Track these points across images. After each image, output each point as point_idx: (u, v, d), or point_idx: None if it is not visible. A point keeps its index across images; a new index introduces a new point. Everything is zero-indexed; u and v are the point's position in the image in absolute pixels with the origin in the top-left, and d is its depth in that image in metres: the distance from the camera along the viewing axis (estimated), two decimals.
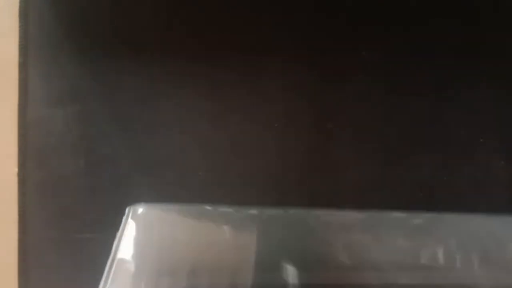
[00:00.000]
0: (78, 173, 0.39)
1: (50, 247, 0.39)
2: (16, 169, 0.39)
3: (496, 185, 0.39)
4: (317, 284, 0.26)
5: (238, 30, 0.39)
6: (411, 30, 0.40)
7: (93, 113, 0.39)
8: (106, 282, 0.24)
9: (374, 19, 0.40)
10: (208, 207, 0.30)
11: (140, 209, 0.31)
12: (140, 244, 0.26)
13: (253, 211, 0.30)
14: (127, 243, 0.28)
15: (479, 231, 0.30)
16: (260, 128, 0.39)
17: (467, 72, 0.40)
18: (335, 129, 0.39)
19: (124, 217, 0.32)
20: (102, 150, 0.39)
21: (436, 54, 0.40)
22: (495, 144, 0.40)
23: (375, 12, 0.40)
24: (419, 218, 0.31)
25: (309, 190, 0.39)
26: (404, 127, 0.40)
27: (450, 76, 0.40)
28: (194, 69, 0.39)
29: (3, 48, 0.39)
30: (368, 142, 0.39)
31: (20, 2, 0.38)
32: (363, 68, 0.40)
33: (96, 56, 0.39)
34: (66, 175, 0.39)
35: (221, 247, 0.27)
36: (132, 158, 0.39)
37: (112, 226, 0.34)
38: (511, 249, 0.29)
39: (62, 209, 0.39)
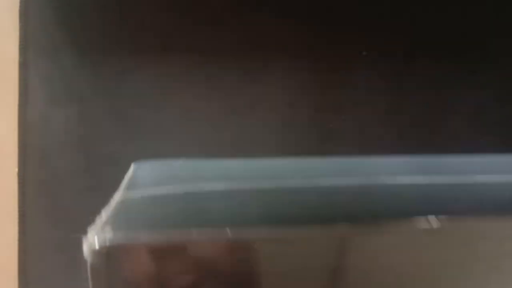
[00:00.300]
0: (78, 173, 0.39)
1: (50, 247, 0.39)
2: (16, 169, 0.39)
3: None
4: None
5: (239, 30, 0.39)
6: (411, 29, 0.40)
7: (93, 113, 0.39)
8: (109, 217, 0.24)
9: (375, 19, 0.40)
10: (215, 161, 0.30)
11: (145, 164, 0.31)
12: (144, 190, 0.26)
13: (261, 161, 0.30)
14: (132, 187, 0.27)
15: None
16: (260, 128, 0.39)
17: (468, 72, 0.40)
18: (336, 129, 0.39)
19: (130, 170, 0.32)
20: (102, 150, 0.39)
21: (437, 54, 0.40)
22: (495, 144, 0.40)
23: (375, 12, 0.40)
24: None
25: None
26: (405, 127, 0.40)
27: (450, 77, 0.40)
28: (195, 69, 0.39)
29: (3, 48, 0.39)
30: (369, 142, 0.39)
31: (20, 2, 0.38)
32: (364, 68, 0.40)
33: (96, 56, 0.39)
34: (66, 175, 0.39)
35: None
36: (132, 158, 0.39)
37: None
38: None
39: (62, 209, 0.39)
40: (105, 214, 0.23)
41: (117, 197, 0.25)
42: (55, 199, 0.39)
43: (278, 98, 0.39)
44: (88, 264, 0.22)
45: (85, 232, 0.33)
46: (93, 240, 0.22)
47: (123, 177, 0.38)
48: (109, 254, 0.22)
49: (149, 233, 0.21)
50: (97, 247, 0.21)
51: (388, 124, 0.40)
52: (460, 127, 0.40)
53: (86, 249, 0.22)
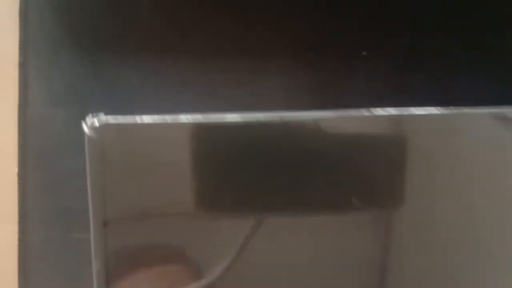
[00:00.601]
0: (78, 173, 0.38)
1: (50, 247, 0.39)
2: (16, 169, 0.39)
3: None
4: None
5: (238, 30, 0.39)
6: (412, 29, 0.40)
7: (93, 113, 0.39)
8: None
9: (375, 19, 0.40)
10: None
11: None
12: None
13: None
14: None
15: None
16: None
17: (470, 72, 0.40)
18: None
19: None
20: None
21: (437, 54, 0.40)
22: None
23: (376, 11, 0.39)
24: None
25: None
26: None
27: (452, 76, 0.40)
28: (195, 69, 0.39)
29: (3, 48, 0.39)
30: None
31: (20, 2, 0.38)
32: (364, 68, 0.40)
33: (96, 56, 0.39)
34: (66, 175, 0.39)
35: None
36: None
37: None
38: None
39: (62, 209, 0.39)
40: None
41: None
42: (55, 199, 0.39)
43: (277, 97, 0.39)
44: (86, 138, 0.26)
45: (84, 232, 0.33)
46: (93, 120, 0.27)
47: None
48: (105, 130, 0.27)
49: (138, 118, 0.28)
50: (96, 125, 0.27)
51: None
52: None
53: (86, 127, 0.27)
